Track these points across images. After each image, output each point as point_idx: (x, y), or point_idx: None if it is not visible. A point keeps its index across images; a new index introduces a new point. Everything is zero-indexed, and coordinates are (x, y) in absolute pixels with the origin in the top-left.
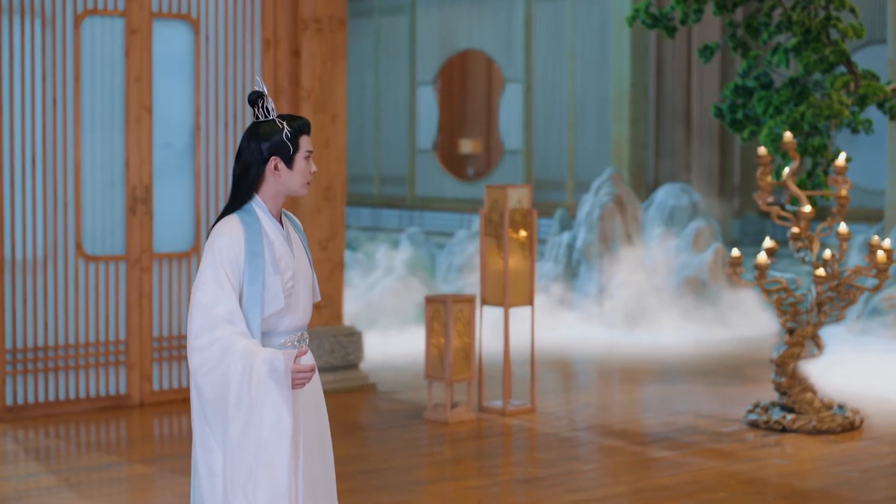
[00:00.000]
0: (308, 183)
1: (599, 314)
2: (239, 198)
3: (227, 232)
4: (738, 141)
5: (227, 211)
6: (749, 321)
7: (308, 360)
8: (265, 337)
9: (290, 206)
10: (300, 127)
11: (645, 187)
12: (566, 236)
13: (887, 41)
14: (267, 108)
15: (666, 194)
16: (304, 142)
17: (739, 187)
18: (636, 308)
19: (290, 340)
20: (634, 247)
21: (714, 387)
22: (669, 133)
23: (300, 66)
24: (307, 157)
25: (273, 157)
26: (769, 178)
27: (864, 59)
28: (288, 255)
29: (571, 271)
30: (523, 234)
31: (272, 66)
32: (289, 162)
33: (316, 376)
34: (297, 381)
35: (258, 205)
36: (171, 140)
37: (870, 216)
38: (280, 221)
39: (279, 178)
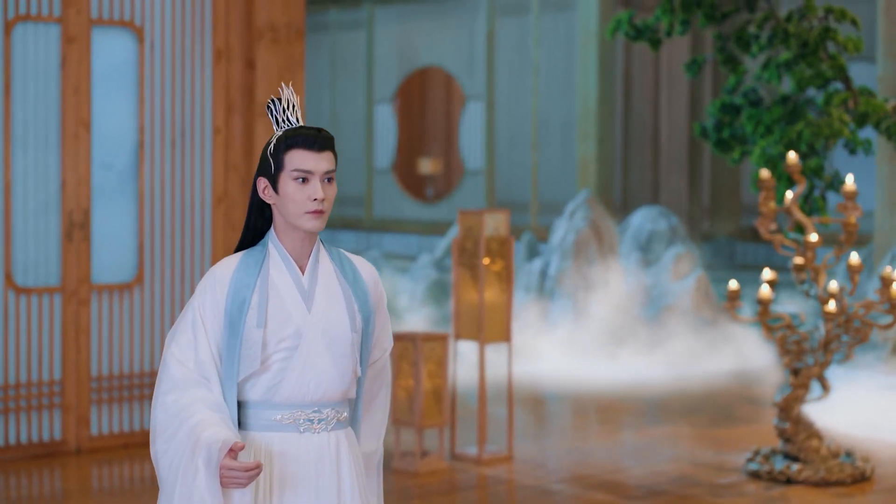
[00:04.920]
0: (310, 213)
1: (574, 346)
2: (247, 230)
3: (216, 272)
4: (728, 162)
5: (239, 245)
6: (735, 354)
7: (290, 453)
8: (256, 408)
9: None
10: (290, 140)
11: (612, 209)
12: (538, 263)
13: (876, 59)
14: (277, 119)
15: (643, 218)
16: (295, 158)
17: (709, 209)
18: (613, 339)
19: (294, 418)
20: (611, 274)
21: (702, 428)
22: (638, 152)
23: (255, 79)
24: (299, 179)
25: (260, 178)
26: (772, 204)
27: None
28: (296, 308)
29: (544, 300)
30: (500, 263)
31: (224, 79)
32: (274, 184)
33: (342, 464)
34: (228, 479)
35: (273, 240)
36: (111, 159)
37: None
38: (303, 264)
39: (276, 206)
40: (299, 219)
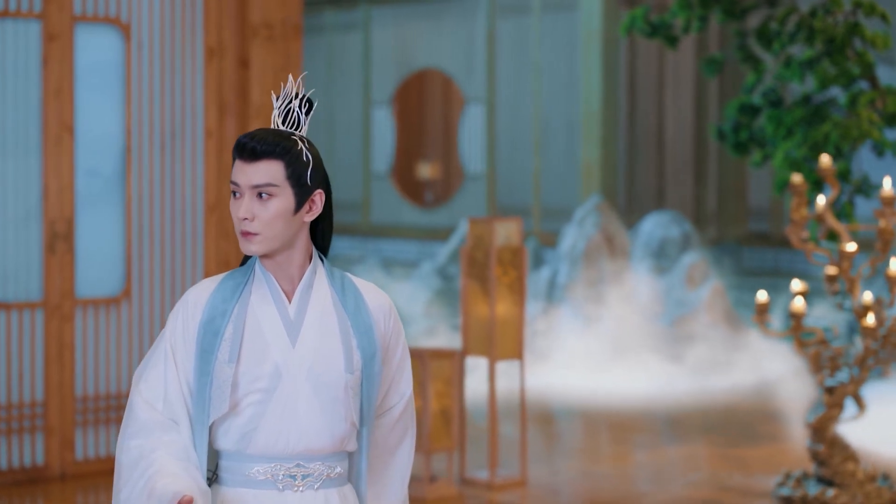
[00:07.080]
0: (243, 233)
1: (585, 357)
2: None
3: (190, 296)
4: (749, 166)
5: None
6: (753, 364)
7: None
8: (230, 459)
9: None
10: (234, 146)
11: (617, 213)
12: (546, 271)
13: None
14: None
15: (654, 224)
16: (234, 168)
17: (717, 213)
18: (626, 351)
19: (272, 473)
20: (623, 283)
21: (724, 448)
22: (642, 156)
23: (249, 79)
24: (235, 194)
25: None
26: (804, 210)
27: None
28: (277, 342)
29: (553, 310)
30: (512, 274)
31: (217, 78)
32: None
33: None
34: None
35: (258, 260)
36: (97, 165)
37: (872, 245)
38: (292, 289)
39: None
40: (238, 239)
